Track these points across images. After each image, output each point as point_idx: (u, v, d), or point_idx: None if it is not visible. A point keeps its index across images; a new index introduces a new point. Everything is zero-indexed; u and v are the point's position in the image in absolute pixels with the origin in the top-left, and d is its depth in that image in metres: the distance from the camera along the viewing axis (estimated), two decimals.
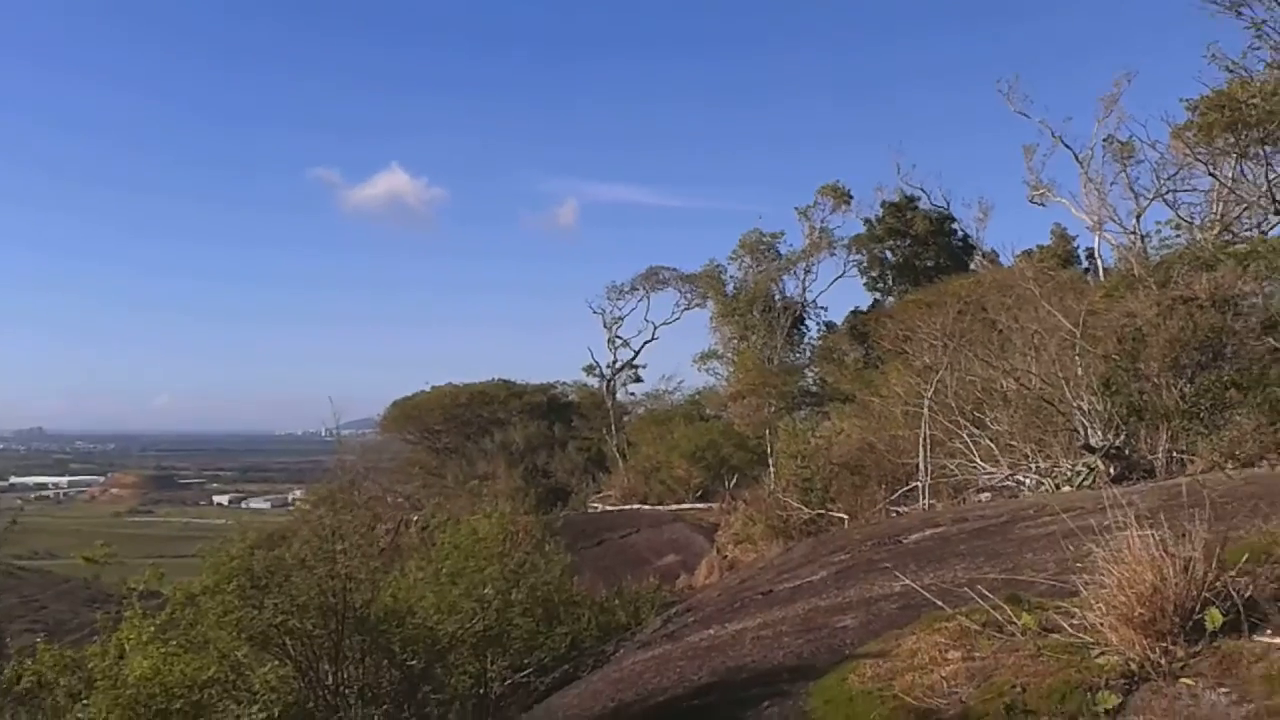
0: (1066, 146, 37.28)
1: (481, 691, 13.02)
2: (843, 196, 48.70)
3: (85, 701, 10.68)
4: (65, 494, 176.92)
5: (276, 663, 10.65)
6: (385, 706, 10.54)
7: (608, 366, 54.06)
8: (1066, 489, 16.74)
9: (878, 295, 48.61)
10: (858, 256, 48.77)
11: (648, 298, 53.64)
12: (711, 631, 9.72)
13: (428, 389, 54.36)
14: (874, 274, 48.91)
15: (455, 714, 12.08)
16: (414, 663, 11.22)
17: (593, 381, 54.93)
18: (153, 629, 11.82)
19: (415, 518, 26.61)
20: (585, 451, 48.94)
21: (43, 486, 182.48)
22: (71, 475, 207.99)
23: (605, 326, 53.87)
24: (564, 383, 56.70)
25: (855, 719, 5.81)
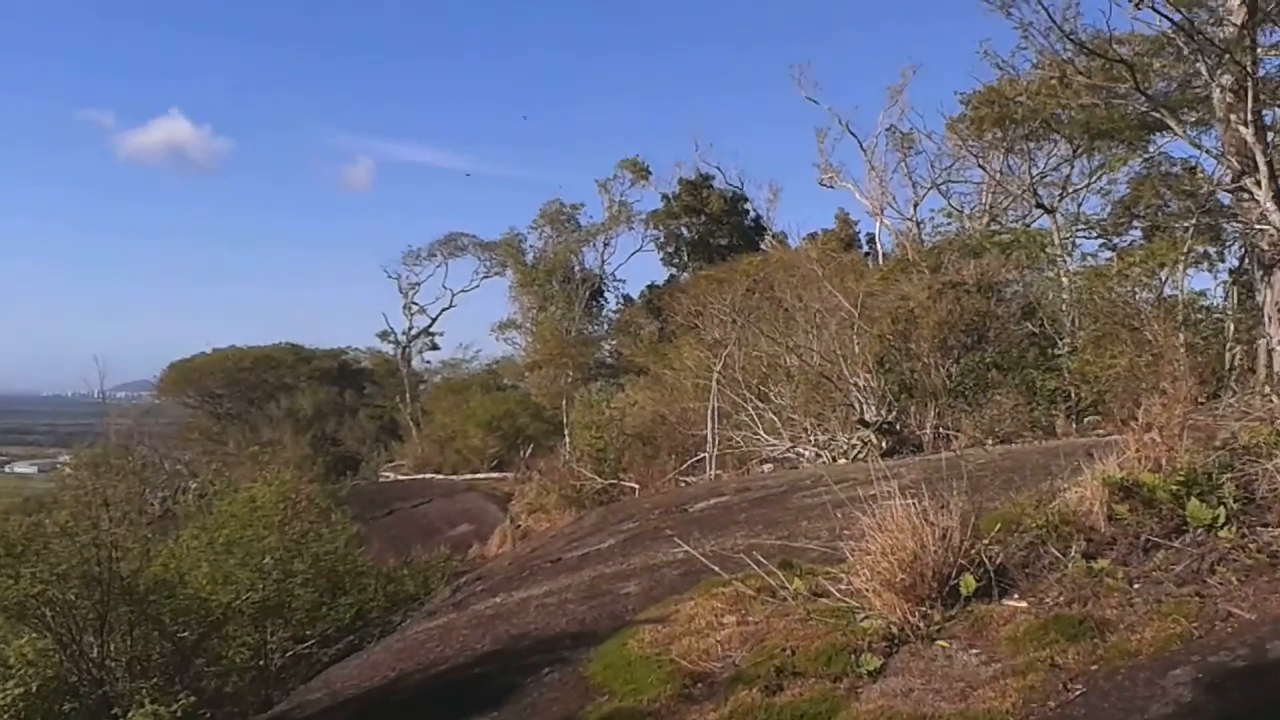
0: (852, 134, 38.87)
1: (261, 663, 12.64)
2: (642, 171, 49.33)
3: None
4: None
5: (34, 635, 10.06)
6: (155, 679, 10.09)
7: (403, 333, 53.09)
8: (842, 461, 17.59)
9: (674, 270, 49.59)
10: (655, 231, 49.57)
11: (446, 264, 52.95)
12: (498, 600, 9.75)
13: (209, 351, 51.99)
14: (670, 249, 49.82)
15: (232, 686, 11.69)
16: (186, 634, 10.79)
17: (387, 348, 53.86)
18: None
19: (193, 485, 25.47)
20: (377, 420, 47.99)
21: None
22: None
23: (401, 292, 52.87)
24: (356, 348, 55.39)
25: (633, 683, 5.95)
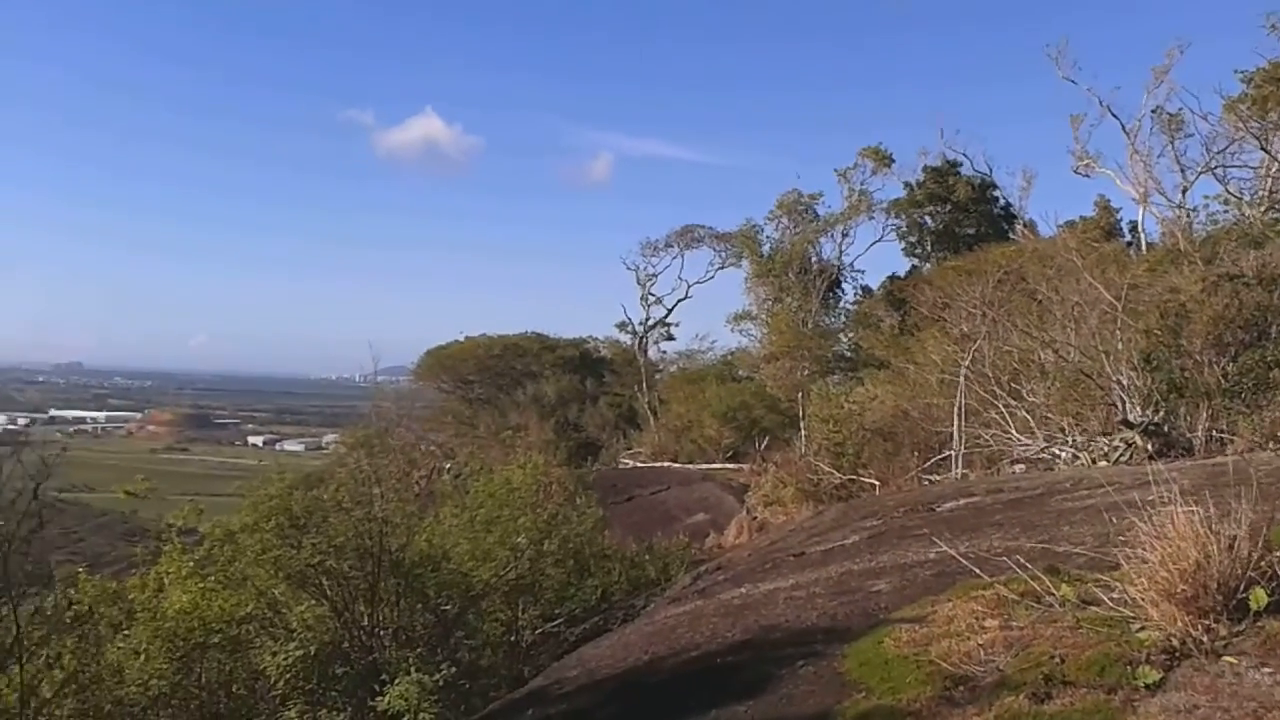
0: (1114, 116, 36.64)
1: (512, 639, 13.21)
2: (883, 159, 48.12)
3: (126, 632, 10.93)
4: (103, 429, 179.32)
5: (313, 602, 10.87)
6: (419, 649, 10.72)
7: (640, 323, 54.01)
8: (1103, 464, 16.62)
9: (915, 261, 48.16)
10: (896, 221, 48.29)
11: (682, 256, 53.44)
12: (744, 590, 9.76)
13: (462, 339, 54.69)
14: (913, 239, 48.43)
15: (486, 659, 12.26)
16: (448, 607, 11.41)
17: (625, 338, 54.95)
18: (191, 564, 12.09)
19: (448, 465, 26.83)
20: (616, 407, 49.07)
21: (81, 421, 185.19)
22: (110, 411, 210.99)
23: (639, 283, 53.76)
24: (596, 338, 56.80)
25: (891, 682, 5.83)
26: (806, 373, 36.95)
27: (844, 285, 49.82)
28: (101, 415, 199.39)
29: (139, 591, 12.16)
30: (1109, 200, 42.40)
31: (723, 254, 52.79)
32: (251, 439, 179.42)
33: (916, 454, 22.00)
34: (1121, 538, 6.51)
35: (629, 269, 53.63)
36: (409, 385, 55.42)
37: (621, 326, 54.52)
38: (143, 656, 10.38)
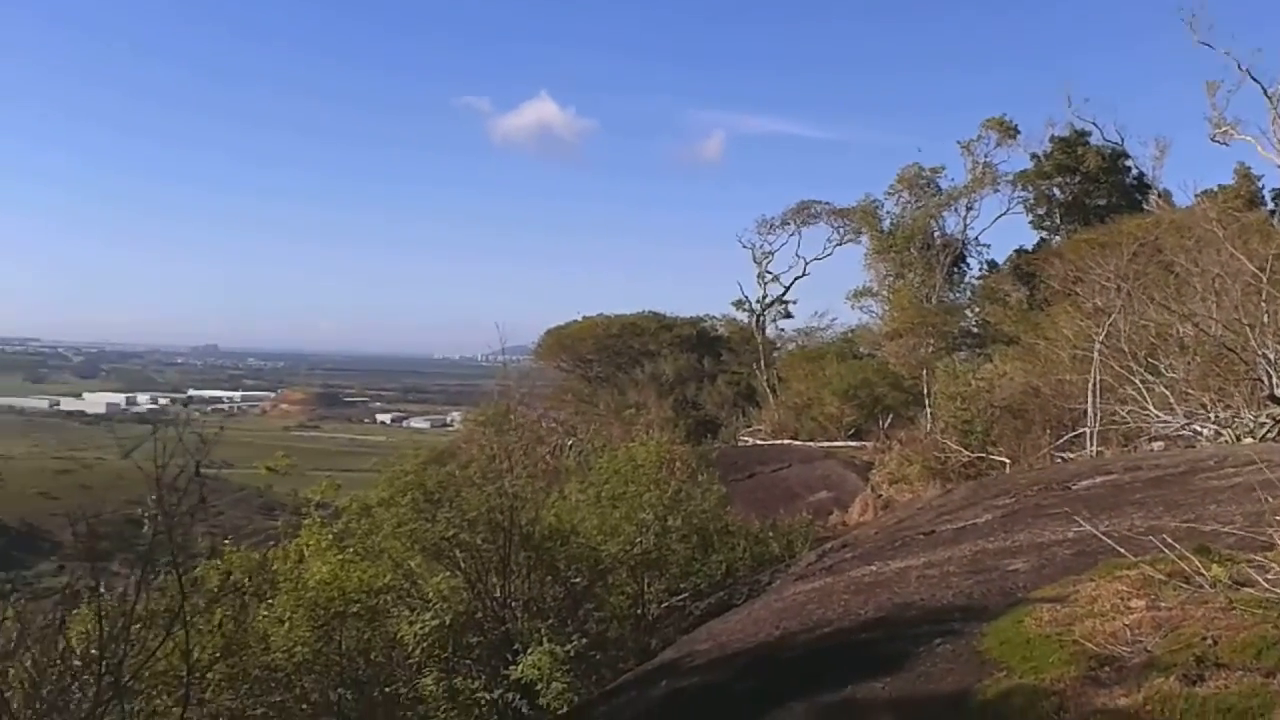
0: (1255, 80, 34.75)
1: (638, 612, 13.36)
2: (1008, 130, 46.65)
3: (270, 601, 11.40)
4: (239, 408, 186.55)
5: (448, 573, 11.17)
6: (550, 621, 10.94)
7: (757, 301, 53.62)
8: (1249, 441, 15.94)
9: (1044, 234, 46.66)
10: (1023, 193, 46.82)
11: (799, 232, 52.79)
12: (873, 568, 9.68)
13: (580, 319, 55.21)
14: (1040, 211, 46.92)
15: (614, 631, 12.44)
16: (577, 580, 11.61)
17: (742, 316, 54.62)
18: (331, 537, 12.54)
19: (570, 443, 27.12)
20: (734, 385, 48.95)
21: (218, 400, 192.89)
22: (244, 391, 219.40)
23: (755, 261, 53.33)
24: (713, 316, 56.55)
25: (1033, 662, 5.71)
26: (931, 349, 36.13)
27: (968, 260, 48.55)
28: (237, 395, 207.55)
29: (281, 562, 12.70)
30: (1250, 168, 40.37)
31: (841, 230, 52.01)
32: (379, 416, 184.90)
33: (1048, 431, 21.44)
34: (1277, 517, 6.27)
35: (745, 247, 53.26)
36: (530, 364, 56.23)
37: (739, 305, 54.27)
38: (287, 625, 10.78)
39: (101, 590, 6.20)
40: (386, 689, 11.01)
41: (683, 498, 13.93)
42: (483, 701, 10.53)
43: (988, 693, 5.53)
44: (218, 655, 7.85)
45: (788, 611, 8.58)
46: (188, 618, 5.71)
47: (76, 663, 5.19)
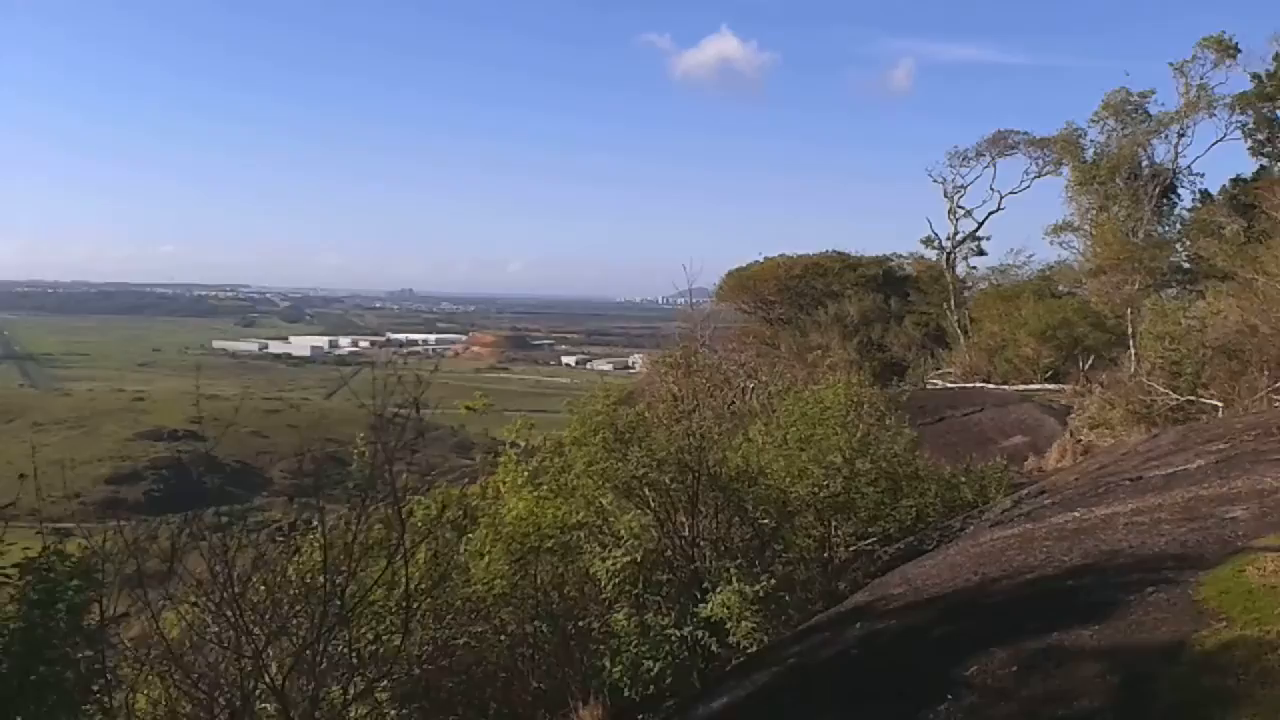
0: None
1: (825, 555, 13.28)
2: (1228, 49, 43.11)
3: (470, 535, 11.87)
4: (433, 350, 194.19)
5: (638, 512, 11.35)
6: (738, 560, 10.98)
7: (947, 238, 51.60)
8: None
9: (1264, 161, 43.19)
10: (1242, 117, 43.27)
11: (994, 165, 50.34)
12: (1076, 514, 9.31)
13: (761, 260, 54.59)
14: (1260, 137, 43.30)
15: (801, 574, 12.41)
16: (765, 521, 11.61)
17: (931, 254, 52.75)
18: (526, 474, 12.93)
19: (752, 385, 27.04)
20: (922, 327, 47.65)
21: (414, 343, 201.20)
22: (438, 334, 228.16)
23: (946, 196, 51.22)
24: (900, 255, 54.93)
25: (1255, 613, 5.38)
26: (1137, 287, 34.20)
27: (1179, 190, 45.36)
28: (431, 338, 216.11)
29: (479, 499, 13.20)
30: None
31: (1039, 162, 49.35)
32: (565, 359, 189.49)
33: (1266, 373, 20.03)
34: None
35: (936, 181, 51.20)
36: (710, 307, 56.12)
37: (927, 242, 52.44)
38: (486, 559, 11.19)
39: (313, 524, 6.61)
40: (579, 623, 11.31)
41: (871, 441, 13.70)
42: (673, 638, 10.70)
43: (1206, 644, 5.26)
44: (428, 586, 8.21)
45: (986, 557, 8.35)
46: (407, 549, 6.01)
47: (295, 592, 5.54)
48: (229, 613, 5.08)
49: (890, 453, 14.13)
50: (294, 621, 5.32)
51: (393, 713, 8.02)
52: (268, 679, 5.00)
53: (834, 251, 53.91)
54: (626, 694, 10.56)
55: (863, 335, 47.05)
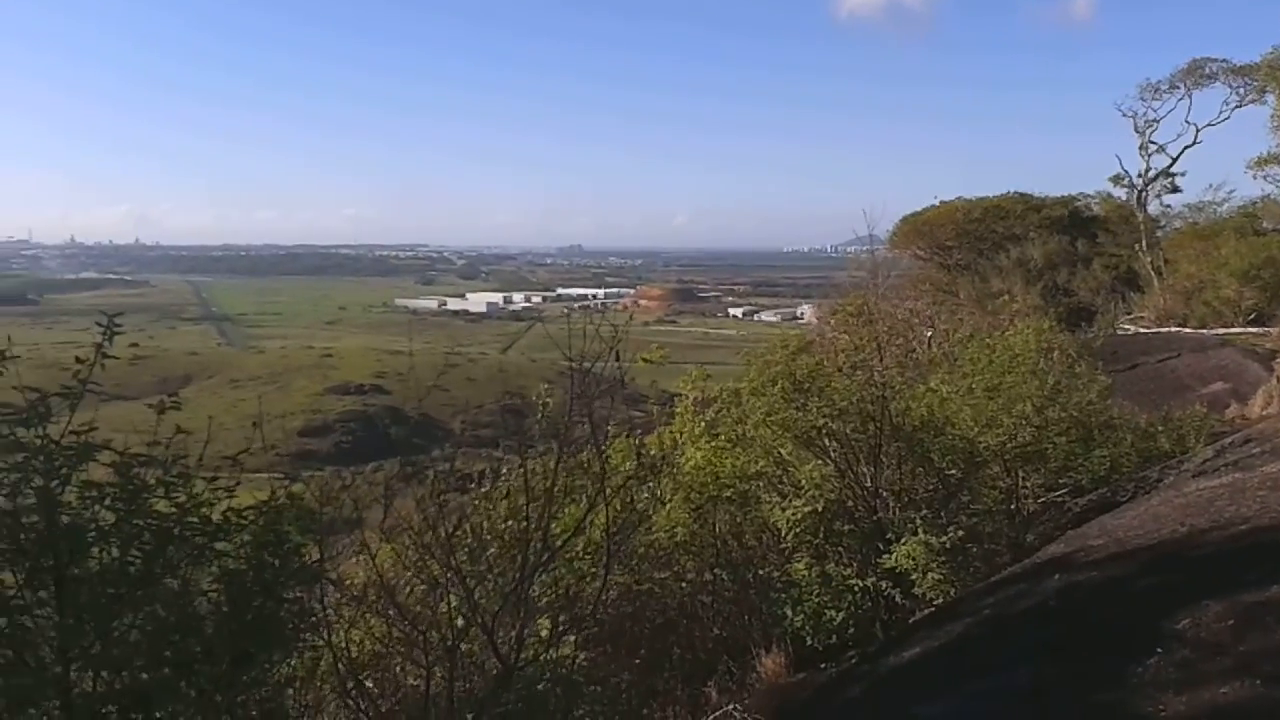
0: None
1: (1012, 507, 12.92)
2: None
3: (650, 484, 12.04)
4: (602, 304, 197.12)
5: (819, 462, 11.27)
6: (923, 511, 10.80)
7: (1138, 176, 48.74)
8: None
9: None
10: None
11: (1189, 96, 47.10)
12: None
13: (937, 203, 52.92)
14: None
15: (988, 526, 12.11)
16: (952, 472, 11.36)
17: (1120, 193, 50.01)
18: (703, 424, 13.01)
19: (929, 333, 26.41)
20: (1112, 269, 45.37)
21: (583, 297, 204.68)
22: (606, 288, 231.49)
23: (1136, 131, 48.31)
24: (1086, 195, 52.29)
25: None
26: None
27: None
28: (600, 292, 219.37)
29: (656, 447, 13.34)
30: None
31: (1241, 91, 45.94)
32: (732, 310, 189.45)
33: None
34: None
35: (1125, 115, 48.34)
36: (883, 253, 54.84)
37: (1116, 180, 49.70)
38: (666, 507, 11.33)
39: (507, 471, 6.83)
40: (759, 571, 11.36)
41: (1063, 388, 13.20)
42: (855, 588, 10.63)
43: None
44: (628, 530, 8.39)
45: (1193, 508, 7.95)
46: (607, 495, 6.18)
47: (501, 535, 5.76)
48: (441, 554, 5.33)
49: (1083, 401, 13.57)
50: (500, 564, 5.54)
51: (581, 655, 8.26)
52: (480, 619, 5.23)
53: (1015, 193, 51.79)
54: (809, 643, 10.56)
55: (1047, 280, 45.17)
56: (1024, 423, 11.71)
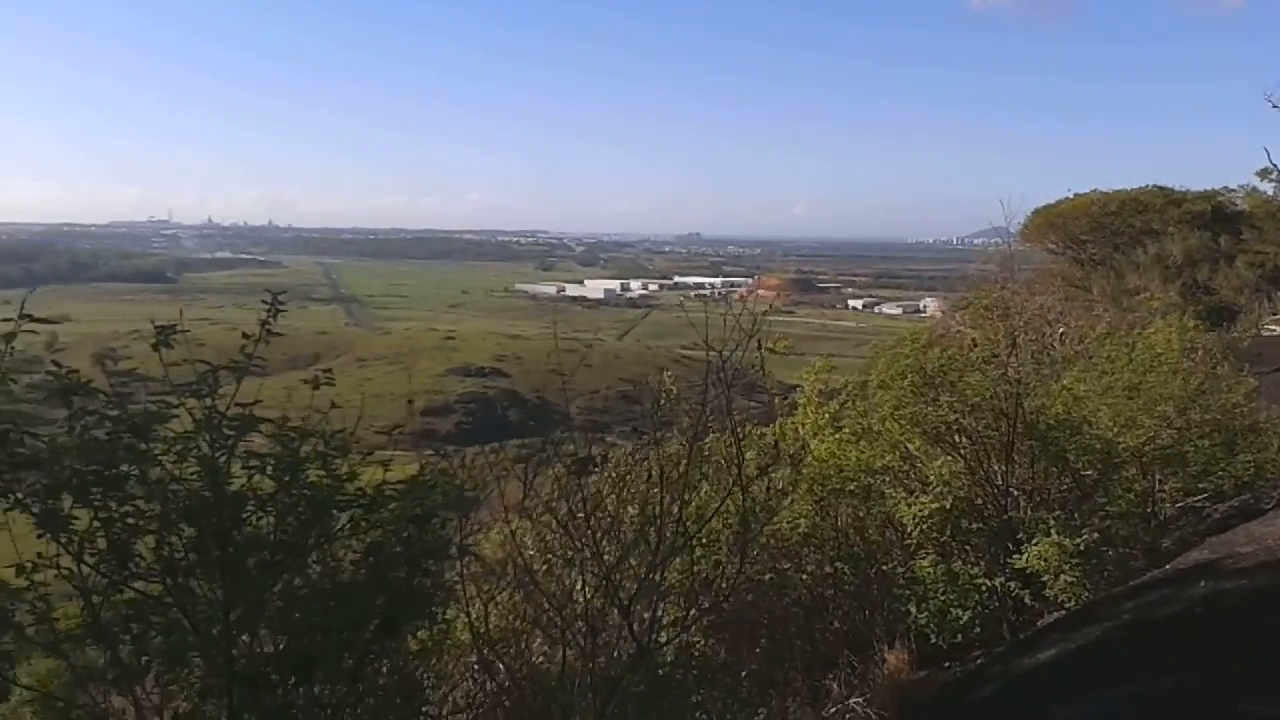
0: None
1: (1148, 510, 12.52)
2: None
3: (772, 474, 11.98)
4: (719, 293, 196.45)
5: (948, 458, 11.07)
6: (1056, 512, 10.53)
7: None
8: None
9: None
10: None
11: None
12: None
13: (1071, 196, 51.21)
14: None
15: (1123, 529, 11.75)
16: (1088, 473, 11.05)
17: (1267, 187, 47.65)
18: (827, 416, 12.90)
19: (1061, 330, 25.66)
20: (1257, 267, 43.25)
21: (700, 286, 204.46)
22: (724, 277, 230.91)
23: None
24: (1231, 189, 50.02)
25: None
26: None
27: None
28: (717, 281, 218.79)
29: (777, 436, 13.25)
30: None
31: None
32: (851, 302, 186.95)
33: None
34: None
35: (1275, 106, 46.15)
36: (1011, 247, 53.34)
37: (1264, 174, 47.21)
38: (789, 498, 11.27)
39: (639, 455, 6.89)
40: (882, 567, 11.24)
41: (1206, 389, 12.71)
42: (983, 588, 10.43)
43: None
44: (765, 517, 8.39)
45: None
46: (744, 481, 6.21)
47: (638, 516, 5.83)
48: (581, 534, 5.43)
49: (1227, 403, 13.04)
50: (635, 546, 5.61)
51: (701, 640, 8.30)
52: (617, 599, 5.31)
53: (1155, 186, 49.78)
54: (933, 640, 10.42)
55: (1186, 277, 43.33)
56: (1165, 424, 11.31)
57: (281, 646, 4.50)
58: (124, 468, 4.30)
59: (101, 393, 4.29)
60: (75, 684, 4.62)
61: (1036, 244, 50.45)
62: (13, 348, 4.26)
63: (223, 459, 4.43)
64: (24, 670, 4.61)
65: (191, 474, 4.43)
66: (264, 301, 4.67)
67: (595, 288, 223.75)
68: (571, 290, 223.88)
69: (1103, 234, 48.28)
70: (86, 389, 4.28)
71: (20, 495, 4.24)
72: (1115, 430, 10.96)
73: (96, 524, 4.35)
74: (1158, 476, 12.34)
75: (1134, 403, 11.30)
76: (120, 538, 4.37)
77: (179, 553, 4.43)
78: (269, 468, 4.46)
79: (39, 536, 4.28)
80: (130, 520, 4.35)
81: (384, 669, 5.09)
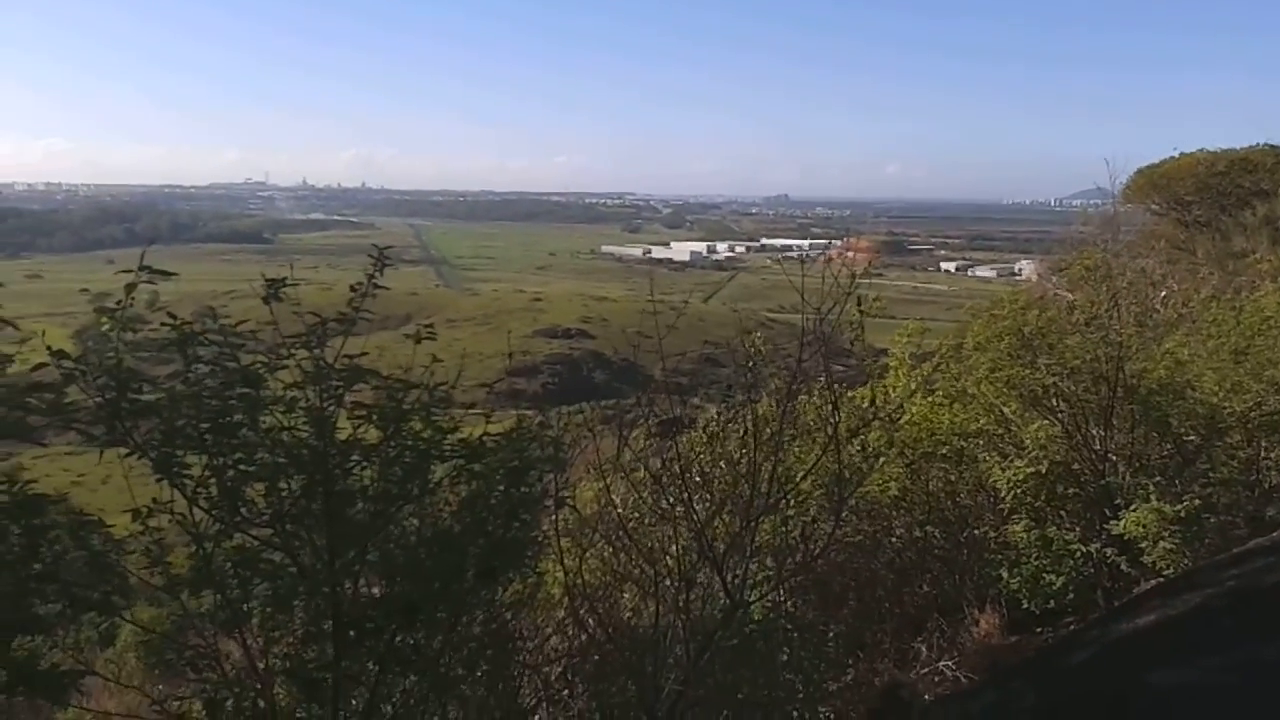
0: None
1: (1253, 478, 12.16)
2: None
3: (862, 435, 11.88)
4: (806, 255, 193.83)
5: (1045, 422, 10.86)
6: (1156, 478, 10.28)
7: None
8: None
9: None
10: None
11: None
12: None
13: (1177, 155, 49.45)
14: None
15: (1225, 497, 11.43)
16: (1191, 438, 10.76)
17: None
18: (920, 379, 12.72)
19: (1164, 293, 24.91)
20: None
21: (788, 248, 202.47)
22: (811, 239, 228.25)
23: None
24: None
25: None
26: None
27: None
28: (805, 243, 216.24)
29: (869, 401, 13.11)
30: None
31: None
32: (943, 265, 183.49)
33: None
34: None
35: None
36: (1110, 208, 51.77)
37: None
38: (880, 460, 11.18)
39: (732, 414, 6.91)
40: (974, 531, 11.10)
41: None
42: (1077, 554, 10.24)
43: None
44: (859, 478, 8.37)
45: None
46: (838, 442, 6.21)
47: (731, 474, 5.87)
48: (676, 491, 5.48)
49: None
50: (728, 504, 5.65)
51: (790, 600, 8.33)
52: (710, 555, 5.36)
53: (1267, 145, 47.79)
54: (1024, 606, 10.29)
55: None
56: (1273, 389, 10.94)
57: (383, 593, 4.64)
58: (236, 417, 4.45)
59: (214, 343, 4.44)
60: (184, 627, 4.81)
61: (1140, 204, 48.87)
62: (124, 301, 4.40)
63: (330, 409, 4.57)
64: (127, 618, 4.79)
65: (300, 424, 4.57)
66: (370, 256, 4.77)
67: (681, 250, 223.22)
68: (657, 252, 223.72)
69: (1209, 195, 46.53)
70: (201, 339, 4.43)
71: (139, 441, 4.41)
72: (1220, 395, 10.64)
73: (209, 471, 4.51)
74: (1263, 443, 11.95)
75: (1240, 367, 10.94)
76: (232, 484, 4.53)
77: (287, 500, 4.58)
78: (374, 418, 4.58)
79: (157, 481, 4.46)
80: (242, 467, 4.51)
81: (479, 619, 5.22)
